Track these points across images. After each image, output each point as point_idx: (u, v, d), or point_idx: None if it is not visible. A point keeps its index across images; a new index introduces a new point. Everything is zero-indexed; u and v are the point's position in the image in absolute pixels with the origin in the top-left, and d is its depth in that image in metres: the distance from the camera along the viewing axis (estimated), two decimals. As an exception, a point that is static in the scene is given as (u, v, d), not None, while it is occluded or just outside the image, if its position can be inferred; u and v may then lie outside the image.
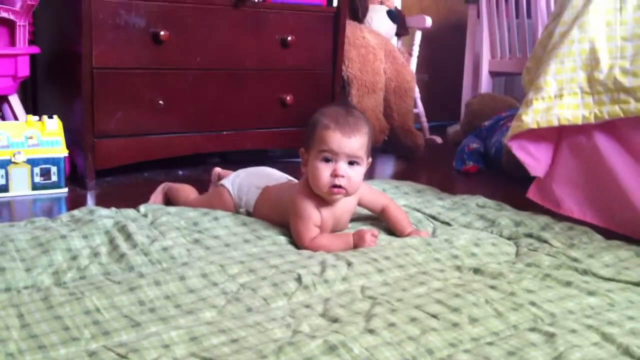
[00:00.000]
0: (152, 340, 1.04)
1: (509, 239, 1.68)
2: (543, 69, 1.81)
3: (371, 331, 1.09)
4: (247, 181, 1.77)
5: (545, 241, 1.62)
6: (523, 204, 1.94)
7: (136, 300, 1.20)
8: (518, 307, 1.21)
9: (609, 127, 1.75)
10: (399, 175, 2.78)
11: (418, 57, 3.44)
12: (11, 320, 1.11)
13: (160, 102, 2.36)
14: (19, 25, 2.21)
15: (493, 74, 3.57)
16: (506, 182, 2.51)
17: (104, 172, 2.31)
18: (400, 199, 2.00)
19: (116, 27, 2.25)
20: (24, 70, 2.25)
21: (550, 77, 1.78)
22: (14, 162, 2.07)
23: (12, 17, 2.19)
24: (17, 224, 1.62)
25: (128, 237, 1.49)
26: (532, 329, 1.14)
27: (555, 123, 1.77)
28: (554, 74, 1.78)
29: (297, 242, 1.56)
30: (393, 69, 3.08)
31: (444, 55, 4.08)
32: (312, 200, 1.57)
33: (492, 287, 1.30)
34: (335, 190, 1.53)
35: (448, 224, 1.80)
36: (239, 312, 1.19)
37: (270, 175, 1.79)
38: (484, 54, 3.53)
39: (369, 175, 2.77)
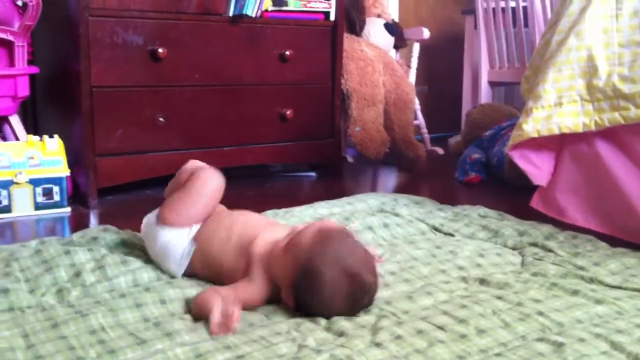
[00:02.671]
0: (158, 357, 1.03)
1: (513, 249, 1.68)
2: (542, 78, 1.81)
3: (378, 344, 1.08)
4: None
5: (550, 250, 1.61)
6: (526, 214, 1.94)
7: (141, 318, 1.19)
8: (525, 317, 1.20)
9: (610, 134, 1.75)
10: (401, 187, 2.78)
11: (417, 69, 3.44)
12: (16, 340, 1.10)
13: (160, 119, 2.36)
14: (18, 46, 2.22)
15: (492, 84, 3.57)
16: (509, 192, 2.51)
17: (106, 191, 2.31)
18: (402, 208, 1.99)
19: (114, 45, 2.25)
20: (24, 90, 2.26)
21: (549, 86, 1.78)
22: (16, 183, 2.07)
23: (10, 37, 2.20)
24: (28, 244, 1.61)
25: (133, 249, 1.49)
26: (540, 339, 1.13)
27: (555, 131, 1.77)
28: (552, 82, 1.78)
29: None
30: (392, 81, 3.08)
31: (442, 67, 4.09)
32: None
33: (499, 298, 1.29)
34: None
35: (451, 235, 1.80)
36: (241, 327, 1.18)
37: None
38: (483, 64, 3.53)
39: (372, 187, 2.77)
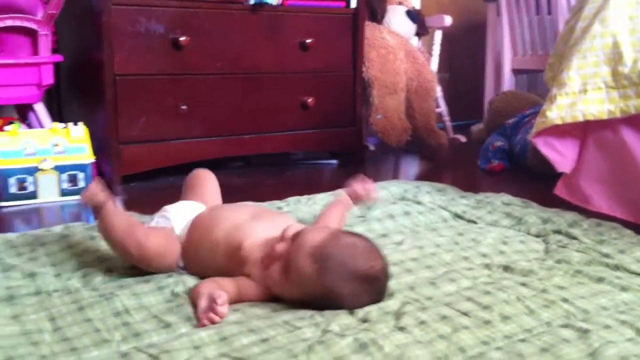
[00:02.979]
0: (183, 341, 1.04)
1: (537, 236, 1.67)
2: (566, 65, 1.79)
3: (402, 329, 1.08)
4: None
5: (575, 237, 1.60)
6: (550, 202, 1.92)
7: (164, 300, 1.21)
8: (550, 303, 1.20)
9: (635, 121, 1.73)
10: (423, 175, 2.77)
11: (439, 57, 3.42)
12: (43, 323, 1.12)
13: (183, 107, 2.37)
14: (42, 35, 2.24)
15: (515, 71, 3.55)
16: (532, 180, 2.49)
17: (129, 178, 2.33)
18: (424, 196, 1.99)
19: (136, 34, 2.26)
20: (48, 79, 2.28)
21: (573, 73, 1.76)
22: (42, 170, 2.10)
23: (34, 26, 2.22)
24: (53, 229, 1.64)
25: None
26: (565, 326, 1.12)
27: (580, 118, 1.75)
28: (576, 69, 1.76)
29: None
30: (414, 69, 3.07)
31: (464, 54, 4.06)
32: None
33: (523, 284, 1.28)
34: None
35: (474, 222, 1.79)
36: (264, 312, 1.19)
37: None
38: (506, 52, 3.50)
39: (393, 175, 2.77)
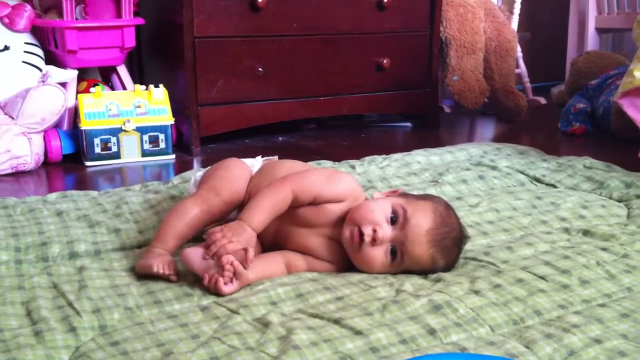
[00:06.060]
0: (260, 297, 1.07)
1: (619, 201, 1.62)
2: (657, 22, 1.71)
3: (476, 292, 1.08)
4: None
5: (660, 203, 1.55)
6: (634, 166, 1.85)
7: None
8: (632, 269, 1.17)
9: None
10: (500, 138, 2.71)
11: (519, 15, 3.31)
12: (130, 277, 1.17)
13: (259, 69, 2.40)
14: (125, -2, 2.29)
15: (600, 30, 3.41)
16: (615, 144, 2.40)
17: (207, 139, 2.38)
18: (503, 160, 1.95)
19: (215, -5, 2.29)
20: (130, 41, 2.33)
21: (664, 30, 1.68)
22: (125, 130, 2.17)
23: (117, -10, 2.27)
24: (132, 187, 1.71)
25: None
26: (648, 292, 1.10)
27: (670, 78, 1.68)
28: (669, 26, 1.68)
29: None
30: (493, 28, 2.99)
31: (547, 12, 3.92)
32: None
33: (604, 249, 1.26)
34: None
35: (553, 186, 1.75)
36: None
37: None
38: (590, 10, 3.37)
39: (469, 138, 2.72)
